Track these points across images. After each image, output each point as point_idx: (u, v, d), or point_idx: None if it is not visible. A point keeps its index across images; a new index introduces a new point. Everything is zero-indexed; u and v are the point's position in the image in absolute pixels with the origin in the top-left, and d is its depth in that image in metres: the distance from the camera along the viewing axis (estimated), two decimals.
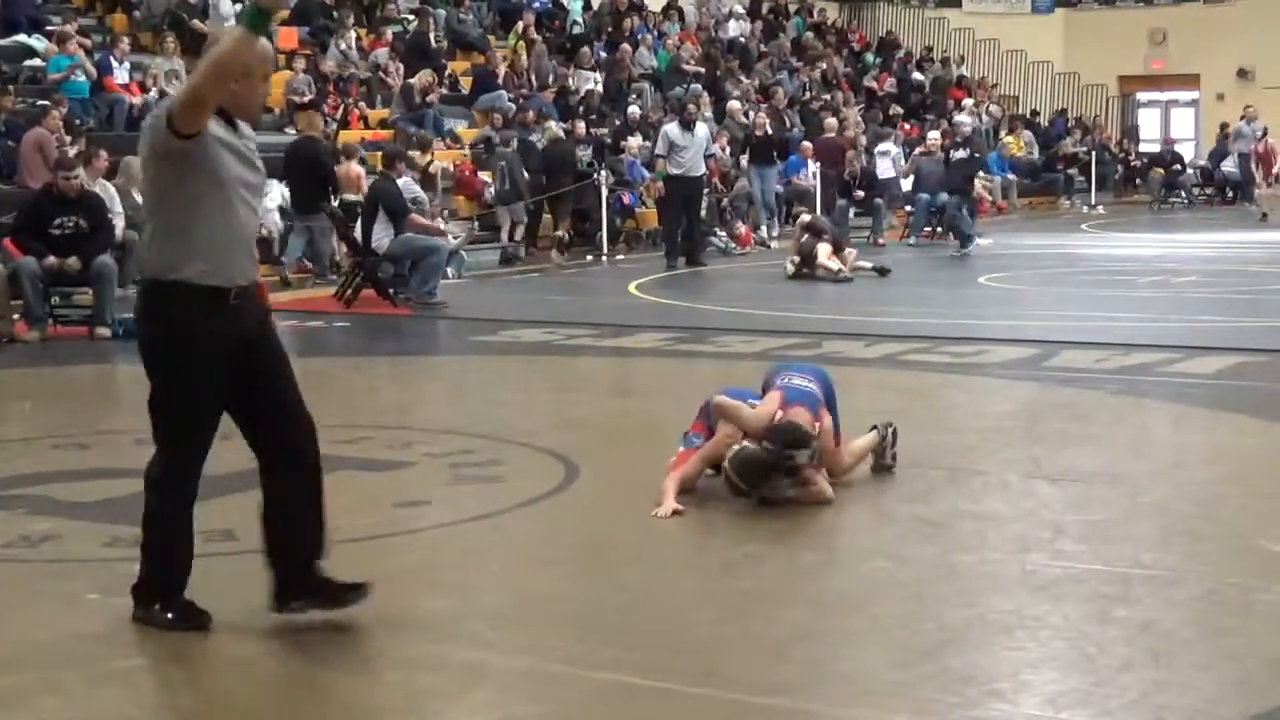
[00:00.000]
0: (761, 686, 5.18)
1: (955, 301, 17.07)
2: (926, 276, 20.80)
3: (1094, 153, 37.26)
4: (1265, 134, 33.20)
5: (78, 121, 20.48)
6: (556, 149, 24.16)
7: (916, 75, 39.37)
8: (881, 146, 28.94)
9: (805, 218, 21.36)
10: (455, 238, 19.92)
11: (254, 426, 5.80)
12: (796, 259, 19.79)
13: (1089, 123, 40.72)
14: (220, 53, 5.26)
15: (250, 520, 5.93)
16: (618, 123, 27.48)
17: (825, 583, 6.57)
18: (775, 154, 26.38)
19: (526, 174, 23.16)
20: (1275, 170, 31.11)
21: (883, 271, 19.86)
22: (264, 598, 5.85)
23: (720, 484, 7.82)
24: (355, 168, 20.53)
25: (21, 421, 10.32)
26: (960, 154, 24.89)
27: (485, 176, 23.52)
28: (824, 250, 19.59)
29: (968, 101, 37.16)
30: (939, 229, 26.22)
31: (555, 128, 24.88)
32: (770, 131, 26.47)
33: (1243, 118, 34.85)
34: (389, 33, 27.91)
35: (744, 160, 26.53)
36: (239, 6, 24.99)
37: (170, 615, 5.67)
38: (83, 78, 21.69)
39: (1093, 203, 35.65)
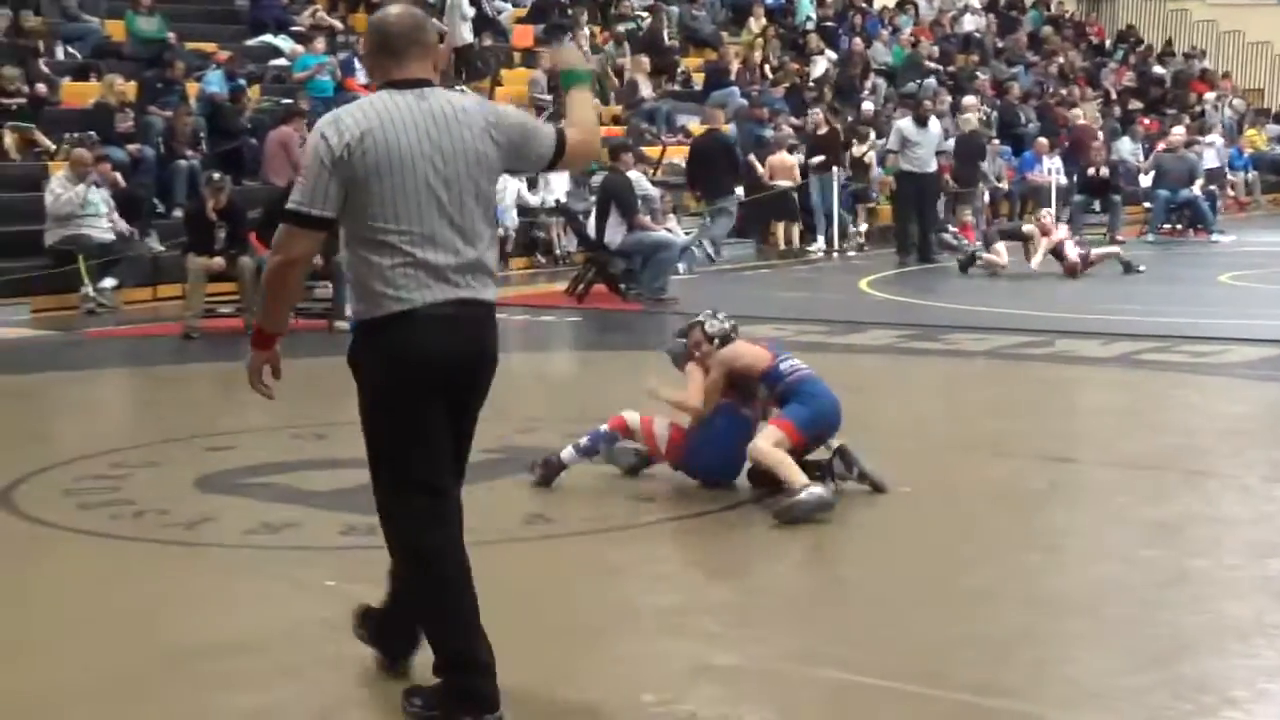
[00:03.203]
0: (985, 688, 5.13)
1: (1194, 299, 16.69)
2: (1165, 274, 20.35)
3: None
4: None
5: None
6: (972, 140, 25.52)
7: (1157, 69, 38.52)
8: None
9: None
10: (688, 233, 20.04)
11: None
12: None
13: None
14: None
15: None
16: (849, 119, 27.36)
17: (1051, 583, 6.48)
18: (840, 155, 24.26)
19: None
20: None
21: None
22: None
23: (946, 487, 7.78)
24: (787, 158, 23.05)
25: (264, 411, 10.59)
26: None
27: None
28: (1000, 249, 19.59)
29: (1211, 95, 36.22)
30: (1179, 225, 25.70)
31: (972, 118, 26.35)
32: (835, 129, 24.54)
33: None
34: (622, 30, 28.11)
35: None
36: (473, 11, 25.40)
37: None
38: (328, 77, 22.21)
39: None
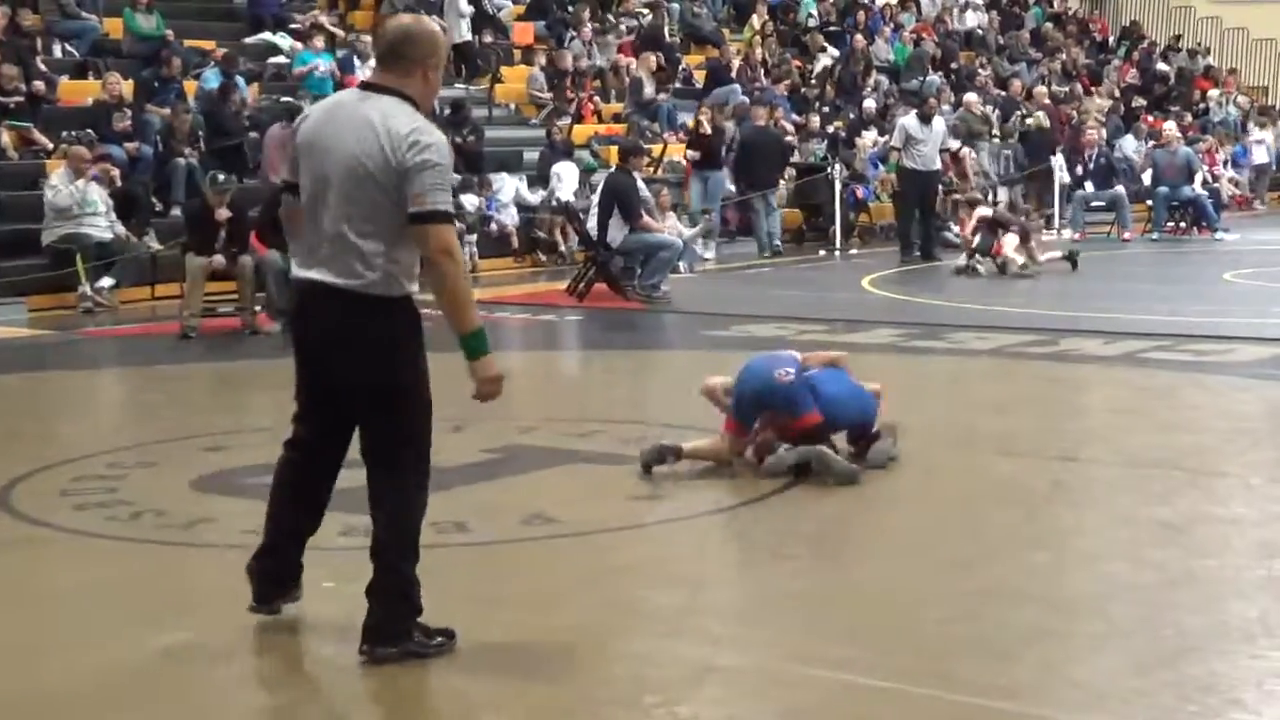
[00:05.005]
0: (992, 689, 5.11)
1: (1198, 298, 16.64)
2: (1168, 272, 20.34)
3: None
4: None
5: None
6: (1042, 136, 27.24)
7: (1161, 66, 38.47)
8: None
9: (984, 212, 20.70)
10: (691, 229, 20.00)
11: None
12: (972, 253, 19.49)
13: None
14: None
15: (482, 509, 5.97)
16: (851, 116, 27.32)
17: (1059, 584, 6.46)
18: (720, 156, 22.80)
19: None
20: None
21: (1074, 260, 19.60)
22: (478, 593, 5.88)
23: (951, 487, 7.77)
24: None
25: (261, 411, 10.58)
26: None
27: None
28: (1010, 242, 19.31)
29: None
30: (1183, 223, 25.65)
31: (1043, 115, 28.01)
32: (720, 129, 23.10)
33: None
34: (624, 27, 28.07)
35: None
36: (472, 9, 25.36)
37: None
38: (327, 75, 22.13)
39: None
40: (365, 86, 5.41)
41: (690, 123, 23.24)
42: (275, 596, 5.69)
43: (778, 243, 22.71)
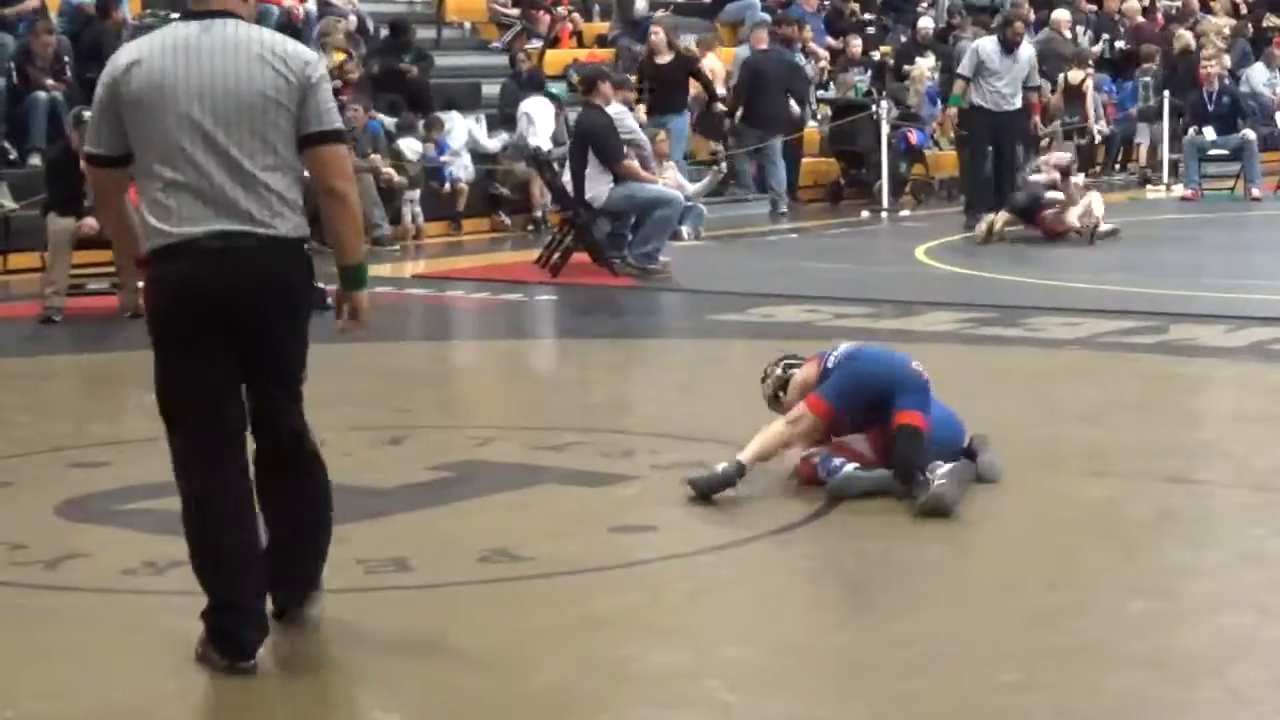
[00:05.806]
0: None
1: None
2: None
3: None
4: None
5: None
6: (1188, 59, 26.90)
7: None
8: None
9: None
10: (699, 181, 20.02)
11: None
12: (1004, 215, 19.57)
13: None
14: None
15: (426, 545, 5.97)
16: (903, 39, 27.31)
17: (1167, 640, 6.47)
18: (685, 94, 23.15)
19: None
20: None
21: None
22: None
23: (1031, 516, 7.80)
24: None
25: (142, 415, 10.53)
26: None
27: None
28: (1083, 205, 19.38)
29: None
30: None
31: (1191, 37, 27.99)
32: (682, 56, 23.17)
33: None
34: None
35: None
36: None
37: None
38: None
39: None
40: (194, 15, 5.96)
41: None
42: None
43: (783, 204, 23.03)
